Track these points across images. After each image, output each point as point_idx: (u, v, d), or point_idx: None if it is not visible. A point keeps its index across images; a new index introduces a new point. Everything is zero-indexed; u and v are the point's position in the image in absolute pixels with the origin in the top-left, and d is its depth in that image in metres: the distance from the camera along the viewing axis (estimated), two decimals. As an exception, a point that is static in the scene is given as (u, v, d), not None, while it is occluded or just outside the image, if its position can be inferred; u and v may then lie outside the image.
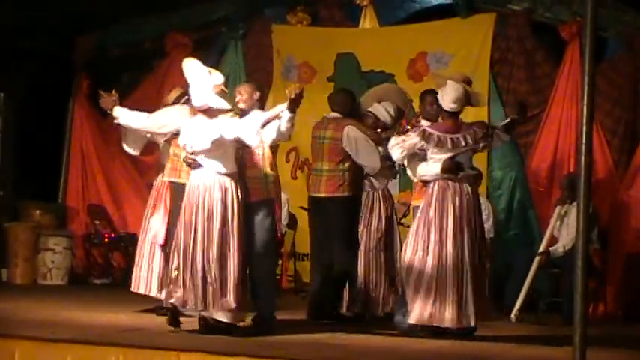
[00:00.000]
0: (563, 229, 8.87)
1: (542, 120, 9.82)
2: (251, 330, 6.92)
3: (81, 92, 11.90)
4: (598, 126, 9.13)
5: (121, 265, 11.16)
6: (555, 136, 9.72)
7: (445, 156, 7.00)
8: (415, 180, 7.44)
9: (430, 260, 6.91)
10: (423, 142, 7.02)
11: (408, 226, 8.14)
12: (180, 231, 6.95)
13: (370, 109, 8.16)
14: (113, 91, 7.56)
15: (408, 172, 7.45)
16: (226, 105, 7.02)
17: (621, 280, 9.17)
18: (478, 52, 10.12)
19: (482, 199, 9.43)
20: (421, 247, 6.97)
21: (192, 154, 6.99)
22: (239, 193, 6.96)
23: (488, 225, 9.32)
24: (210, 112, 7.01)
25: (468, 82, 7.27)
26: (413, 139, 7.06)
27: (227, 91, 7.15)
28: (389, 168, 8.09)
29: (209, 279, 6.80)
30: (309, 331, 7.27)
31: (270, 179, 7.16)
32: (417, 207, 7.23)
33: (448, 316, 6.88)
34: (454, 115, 7.09)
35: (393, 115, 8.12)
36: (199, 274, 6.82)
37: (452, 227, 6.89)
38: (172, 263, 6.94)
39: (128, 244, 11.17)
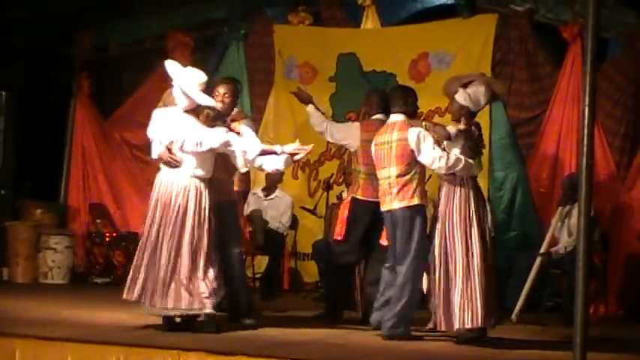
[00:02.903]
0: (564, 230, 8.86)
1: (544, 121, 9.82)
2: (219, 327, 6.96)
3: (82, 92, 11.91)
4: (599, 127, 9.12)
5: (122, 264, 11.16)
6: (557, 136, 9.72)
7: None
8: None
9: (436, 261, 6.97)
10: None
11: None
12: (149, 229, 7.02)
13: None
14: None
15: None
16: (212, 102, 7.09)
17: (622, 281, 9.18)
18: (480, 53, 10.11)
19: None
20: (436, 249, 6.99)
21: (170, 151, 7.04)
22: (210, 197, 7.05)
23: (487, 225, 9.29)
24: (195, 111, 7.07)
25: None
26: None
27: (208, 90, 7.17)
28: None
29: (176, 277, 6.90)
30: (309, 330, 7.27)
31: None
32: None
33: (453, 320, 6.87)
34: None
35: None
36: (167, 273, 6.91)
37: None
38: (138, 261, 7.01)
39: (129, 243, 11.18)
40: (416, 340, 6.97)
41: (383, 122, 7.51)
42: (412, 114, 7.34)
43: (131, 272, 7.06)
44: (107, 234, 11.30)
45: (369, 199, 7.68)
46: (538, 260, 8.70)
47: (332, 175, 10.59)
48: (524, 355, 6.75)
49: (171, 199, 7.01)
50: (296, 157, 7.13)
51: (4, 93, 11.79)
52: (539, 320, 8.51)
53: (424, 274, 7.04)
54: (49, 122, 11.69)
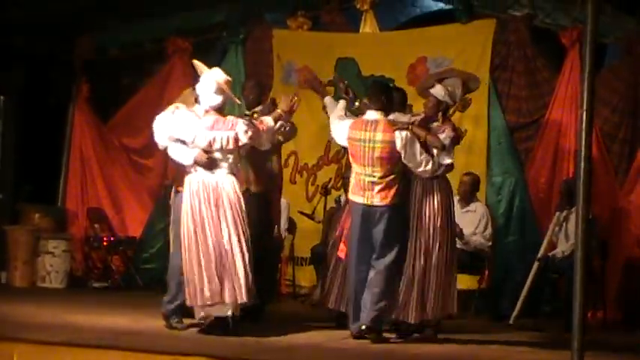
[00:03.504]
0: (561, 235, 8.87)
1: (542, 126, 9.82)
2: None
3: (81, 96, 11.90)
4: (597, 132, 9.12)
5: (120, 268, 11.16)
6: (555, 141, 9.71)
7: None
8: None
9: None
10: None
11: None
12: (197, 231, 7.05)
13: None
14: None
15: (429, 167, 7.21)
16: (238, 100, 7.41)
17: (621, 285, 9.17)
18: (478, 58, 10.11)
19: (480, 206, 9.43)
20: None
21: (208, 152, 7.13)
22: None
23: (486, 233, 9.29)
24: (220, 110, 7.22)
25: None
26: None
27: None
28: None
29: (230, 275, 6.99)
30: (310, 335, 7.27)
31: None
32: None
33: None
34: None
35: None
36: (226, 272, 7.00)
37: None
38: (196, 266, 7.02)
39: (127, 247, 11.19)
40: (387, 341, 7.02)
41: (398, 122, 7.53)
42: (388, 111, 7.33)
43: (196, 278, 7.01)
44: (105, 238, 11.29)
45: None
46: (536, 265, 8.72)
47: (330, 179, 10.59)
48: (521, 359, 6.76)
49: (221, 198, 7.10)
50: (294, 110, 7.59)
51: (2, 97, 11.79)
52: (536, 324, 8.53)
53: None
54: (48, 125, 11.68)
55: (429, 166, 7.05)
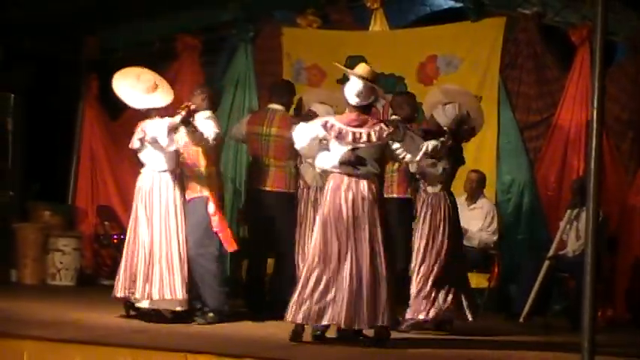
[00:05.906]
0: (572, 233, 8.85)
1: (552, 124, 9.81)
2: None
3: (90, 93, 11.90)
4: (607, 130, 9.10)
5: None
6: (565, 139, 9.71)
7: (345, 149, 6.82)
8: (317, 171, 7.34)
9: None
10: (324, 133, 6.86)
11: None
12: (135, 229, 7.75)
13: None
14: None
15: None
16: (164, 102, 7.81)
17: (630, 284, 9.16)
18: (488, 56, 10.11)
19: (486, 202, 9.42)
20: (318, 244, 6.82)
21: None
22: (179, 190, 7.70)
23: (491, 229, 9.29)
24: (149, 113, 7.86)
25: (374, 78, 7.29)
26: (316, 127, 6.91)
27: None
28: None
29: (164, 271, 7.58)
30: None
31: (204, 176, 7.78)
32: None
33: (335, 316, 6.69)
34: (359, 108, 6.98)
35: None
36: (157, 268, 7.61)
37: (344, 224, 6.71)
38: (132, 260, 7.76)
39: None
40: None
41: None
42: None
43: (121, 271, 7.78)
44: (115, 236, 11.29)
45: None
46: (547, 263, 8.70)
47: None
48: (531, 358, 6.75)
49: (151, 198, 7.69)
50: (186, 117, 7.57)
51: (12, 95, 11.81)
52: (546, 323, 8.52)
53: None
54: (58, 124, 11.70)
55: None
